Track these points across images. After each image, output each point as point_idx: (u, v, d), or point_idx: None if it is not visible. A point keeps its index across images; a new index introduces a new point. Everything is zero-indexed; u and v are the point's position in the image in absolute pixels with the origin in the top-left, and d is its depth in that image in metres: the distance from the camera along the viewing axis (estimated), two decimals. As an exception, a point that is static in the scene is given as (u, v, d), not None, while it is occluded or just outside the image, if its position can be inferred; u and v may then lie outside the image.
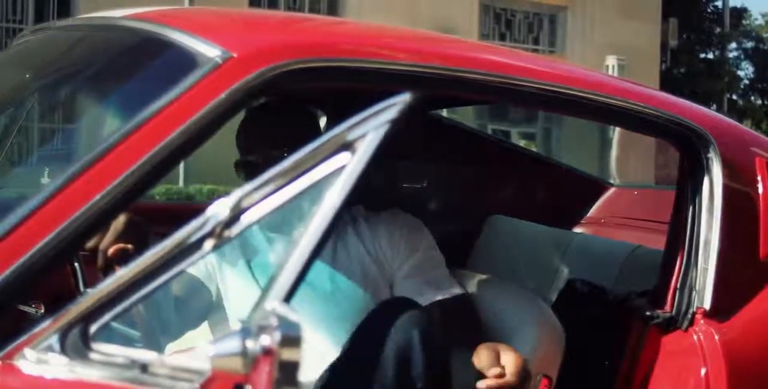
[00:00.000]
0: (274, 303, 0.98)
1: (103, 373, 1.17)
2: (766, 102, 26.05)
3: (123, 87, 1.75)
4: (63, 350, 1.17)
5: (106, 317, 1.18)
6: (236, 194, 1.12)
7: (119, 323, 1.40)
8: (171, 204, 5.32)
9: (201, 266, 1.99)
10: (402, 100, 1.07)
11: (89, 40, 1.90)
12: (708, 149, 1.86)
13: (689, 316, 1.81)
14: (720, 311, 1.82)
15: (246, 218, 1.11)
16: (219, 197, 1.17)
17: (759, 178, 1.94)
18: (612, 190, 3.21)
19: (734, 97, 24.46)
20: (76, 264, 1.83)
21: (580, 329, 1.98)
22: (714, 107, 19.94)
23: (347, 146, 1.08)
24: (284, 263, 1.05)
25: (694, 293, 1.83)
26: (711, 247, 1.84)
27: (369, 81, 1.62)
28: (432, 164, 2.92)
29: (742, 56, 26.39)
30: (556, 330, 1.88)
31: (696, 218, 1.86)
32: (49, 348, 1.18)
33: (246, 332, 0.96)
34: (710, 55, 22.62)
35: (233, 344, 0.96)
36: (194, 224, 1.13)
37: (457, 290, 2.02)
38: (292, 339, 0.92)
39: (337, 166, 1.08)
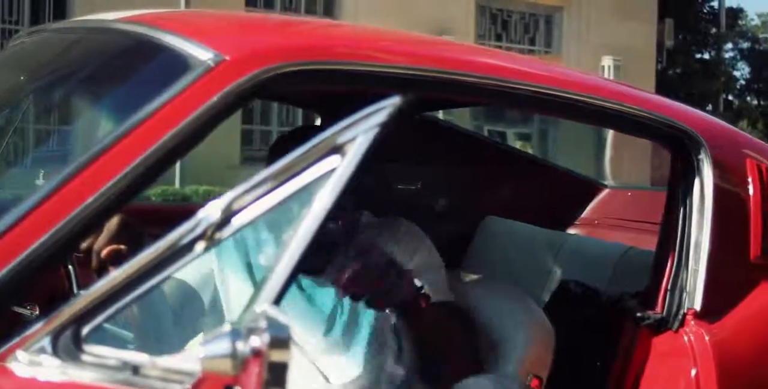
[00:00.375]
0: (264, 305, 0.99)
1: (95, 375, 1.18)
2: (762, 102, 26.07)
3: (117, 90, 1.75)
4: (55, 352, 1.18)
5: (98, 319, 1.19)
6: (227, 196, 1.12)
7: (113, 324, 1.41)
8: (166, 205, 5.32)
9: (194, 270, 1.99)
10: (391, 103, 1.08)
11: (83, 43, 1.91)
12: (699, 151, 1.88)
13: (680, 317, 1.82)
14: (710, 312, 1.82)
15: (237, 221, 1.12)
16: (214, 198, 1.17)
17: (749, 179, 1.95)
18: (606, 191, 3.22)
19: (730, 97, 24.48)
20: (70, 267, 1.84)
21: (573, 329, 1.99)
22: (710, 107, 19.95)
23: (337, 149, 1.09)
24: (274, 265, 1.06)
25: (684, 294, 1.83)
26: (701, 248, 1.84)
27: (363, 84, 1.62)
28: (427, 165, 2.93)
29: (738, 57, 26.42)
30: (547, 331, 1.89)
31: (687, 219, 1.87)
32: (42, 350, 1.19)
33: (235, 334, 0.97)
34: (706, 56, 22.62)
35: (223, 346, 0.97)
36: (186, 226, 1.14)
37: (446, 297, 1.99)
38: (281, 340, 0.93)
39: (328, 169, 1.09)
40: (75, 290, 1.83)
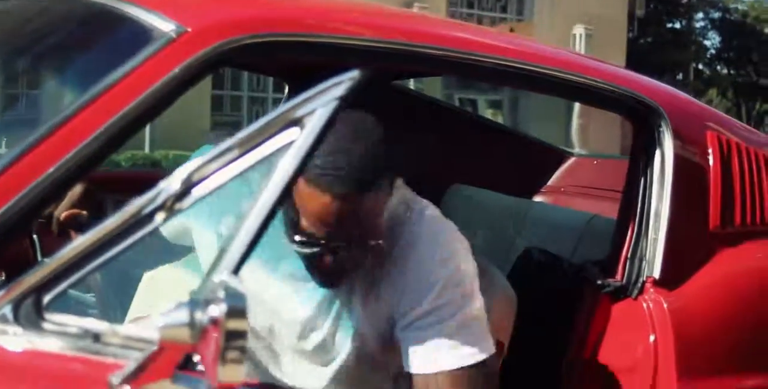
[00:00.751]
0: (222, 275, 1.01)
1: (56, 343, 1.19)
2: (732, 71, 26.24)
3: (79, 60, 1.75)
4: (17, 320, 1.19)
5: (60, 287, 1.20)
6: (187, 167, 1.14)
7: (77, 290, 1.42)
8: (135, 172, 5.32)
9: (175, 223, 1.89)
10: (351, 77, 1.09)
11: (47, 12, 1.90)
12: (660, 123, 1.91)
13: (639, 285, 1.86)
14: (669, 280, 1.86)
15: (197, 192, 1.13)
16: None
17: (710, 151, 1.98)
18: (572, 159, 3.25)
19: (701, 66, 24.63)
20: (34, 236, 1.85)
21: (536, 297, 2.02)
22: (680, 76, 20.06)
23: (296, 122, 1.10)
24: (234, 235, 1.08)
25: (644, 262, 1.87)
26: (661, 218, 1.88)
27: (329, 55, 1.64)
28: (393, 133, 2.94)
29: (709, 26, 26.53)
30: (509, 298, 1.92)
31: (647, 189, 1.91)
32: (3, 318, 1.20)
33: (194, 303, 0.99)
34: (677, 25, 22.73)
35: (181, 315, 0.99)
36: (146, 196, 1.15)
37: (476, 354, 1.57)
38: (238, 310, 0.95)
39: (287, 141, 1.10)
40: (39, 258, 1.84)
